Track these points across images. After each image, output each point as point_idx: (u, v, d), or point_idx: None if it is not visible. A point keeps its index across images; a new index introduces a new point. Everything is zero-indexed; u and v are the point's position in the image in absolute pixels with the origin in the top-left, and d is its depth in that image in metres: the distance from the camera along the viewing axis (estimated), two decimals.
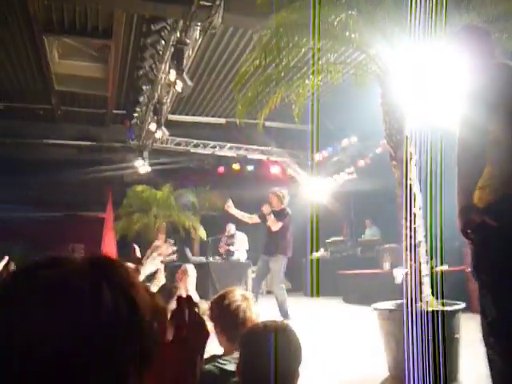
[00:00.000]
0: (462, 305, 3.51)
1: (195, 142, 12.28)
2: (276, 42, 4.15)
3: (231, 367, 1.74)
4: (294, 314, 5.84)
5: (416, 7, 3.38)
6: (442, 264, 6.21)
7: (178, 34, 6.88)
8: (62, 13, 7.32)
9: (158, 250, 3.11)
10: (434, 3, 3.23)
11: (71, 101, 10.62)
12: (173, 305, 0.84)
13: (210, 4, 5.90)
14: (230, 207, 6.46)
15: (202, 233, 12.83)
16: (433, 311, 3.20)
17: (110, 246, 11.83)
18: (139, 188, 12.75)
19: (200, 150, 12.49)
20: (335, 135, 11.86)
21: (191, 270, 3.70)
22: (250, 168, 13.25)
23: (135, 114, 10.07)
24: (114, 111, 11.16)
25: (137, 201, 12.81)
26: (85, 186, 12.90)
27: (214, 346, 1.94)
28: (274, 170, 13.34)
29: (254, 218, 6.48)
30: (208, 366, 1.82)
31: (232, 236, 10.21)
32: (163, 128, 9.92)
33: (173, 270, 9.09)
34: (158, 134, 10.14)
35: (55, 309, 0.58)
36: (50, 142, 11.93)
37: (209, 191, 13.86)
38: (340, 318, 7.38)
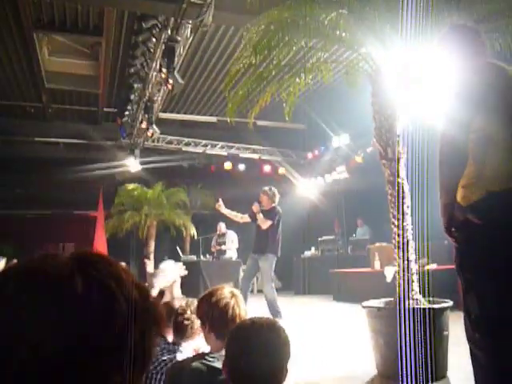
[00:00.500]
0: (450, 303, 3.53)
1: (186, 140, 12.26)
2: (267, 41, 4.15)
3: (219, 364, 1.74)
4: (284, 312, 5.85)
5: (407, 6, 3.39)
6: (428, 263, 6.26)
7: (169, 32, 6.86)
8: (52, 9, 7.27)
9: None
10: (424, 2, 3.24)
11: (62, 99, 10.56)
12: None
13: (201, 2, 5.89)
14: (221, 207, 6.47)
15: (193, 231, 12.82)
16: (421, 309, 3.22)
17: (100, 245, 11.76)
18: (130, 186, 12.70)
19: (191, 149, 12.47)
20: (327, 134, 11.89)
21: (170, 268, 3.66)
22: (241, 167, 13.25)
23: (126, 112, 10.03)
24: (106, 109, 11.11)
25: (128, 199, 12.76)
26: (76, 184, 12.83)
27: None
28: (266, 168, 13.34)
29: (244, 218, 6.49)
30: (196, 364, 1.81)
31: (223, 235, 10.21)
32: (154, 126, 9.89)
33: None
34: (149, 132, 10.11)
35: (25, 295, 0.59)
36: (41, 140, 11.86)
37: (200, 190, 13.84)
38: (330, 316, 7.40)
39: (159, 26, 7.07)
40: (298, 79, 4.66)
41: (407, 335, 2.95)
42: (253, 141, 12.35)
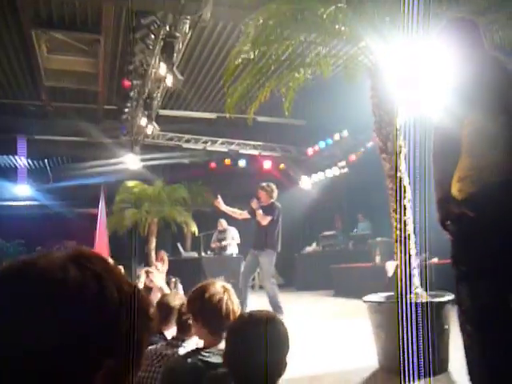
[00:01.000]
0: (451, 296, 3.53)
1: (187, 137, 12.24)
2: (266, 36, 4.14)
3: (215, 359, 1.74)
4: (286, 307, 5.85)
5: None
6: (430, 257, 6.25)
7: (168, 28, 6.84)
8: (51, 7, 7.25)
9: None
10: None
11: (62, 96, 10.53)
12: None
13: None
14: (220, 203, 6.47)
15: (194, 228, 12.81)
16: (422, 303, 3.22)
17: (102, 242, 11.77)
18: (131, 184, 12.68)
19: (192, 145, 12.47)
20: (327, 129, 11.87)
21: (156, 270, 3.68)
22: (242, 163, 13.24)
23: (126, 109, 10.01)
24: (105, 107, 11.08)
25: (129, 196, 12.74)
26: (76, 181, 12.83)
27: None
28: (266, 164, 13.33)
29: (243, 214, 6.49)
30: (191, 359, 1.81)
31: (224, 231, 10.22)
32: (154, 123, 9.88)
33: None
34: (149, 129, 10.10)
35: (20, 287, 0.61)
36: (41, 138, 11.84)
37: (201, 186, 13.83)
38: (332, 311, 7.41)
39: (157, 22, 7.04)
40: (297, 74, 4.65)
41: (408, 329, 2.95)
42: (253, 137, 12.33)
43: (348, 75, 4.76)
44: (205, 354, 1.81)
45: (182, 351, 2.32)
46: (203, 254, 10.56)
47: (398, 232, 3.65)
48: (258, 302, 5.89)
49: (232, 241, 10.08)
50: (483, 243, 2.04)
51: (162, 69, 7.27)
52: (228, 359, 1.45)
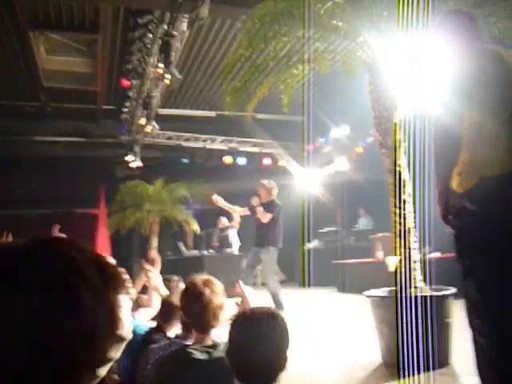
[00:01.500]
0: (452, 290, 3.53)
1: (186, 135, 12.24)
2: (263, 33, 4.13)
3: (200, 356, 1.76)
4: (288, 304, 5.86)
5: None
6: (430, 251, 6.26)
7: (166, 27, 6.82)
8: (48, 8, 7.24)
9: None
10: None
11: (60, 97, 10.53)
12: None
13: None
14: (218, 200, 6.48)
15: (195, 226, 12.83)
16: (424, 297, 3.22)
17: (103, 243, 11.80)
18: (131, 183, 12.69)
19: (191, 144, 12.46)
20: (327, 126, 11.86)
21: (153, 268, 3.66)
22: (241, 160, 13.23)
23: (125, 109, 10.01)
24: (104, 106, 11.08)
25: (129, 196, 12.75)
26: (76, 182, 12.83)
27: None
28: (266, 161, 13.32)
29: (244, 211, 6.50)
30: (176, 355, 1.82)
31: (225, 229, 10.23)
32: (153, 122, 9.88)
33: (167, 264, 9.09)
34: (148, 129, 10.09)
35: None
36: (41, 139, 11.85)
37: (201, 185, 13.83)
38: (334, 306, 7.42)
39: (155, 21, 7.03)
40: (295, 70, 4.64)
41: (410, 323, 2.96)
42: (252, 134, 12.32)
43: (346, 71, 4.76)
44: (190, 350, 1.82)
45: None
46: (204, 252, 10.57)
47: (399, 226, 3.66)
48: (259, 298, 5.89)
49: (234, 239, 10.10)
50: (484, 236, 2.04)
51: (160, 68, 7.26)
52: (229, 354, 1.47)
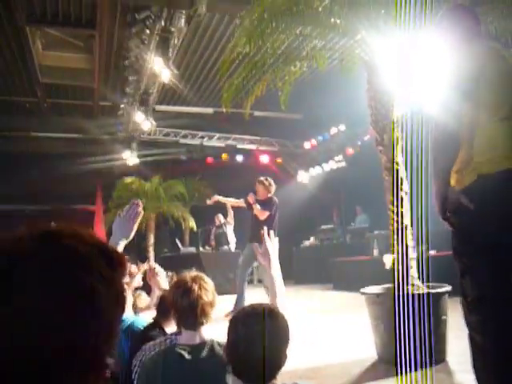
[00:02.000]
0: (448, 287, 3.55)
1: (183, 132, 12.23)
2: (261, 29, 4.12)
3: (187, 355, 1.76)
4: (285, 301, 5.87)
5: None
6: (428, 249, 6.26)
7: (163, 23, 6.81)
8: (45, 3, 7.20)
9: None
10: None
11: (57, 93, 10.49)
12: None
13: None
14: (215, 198, 6.52)
15: (191, 223, 12.83)
16: (420, 294, 3.23)
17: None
18: (128, 180, 12.68)
19: (189, 141, 12.45)
20: (324, 124, 11.86)
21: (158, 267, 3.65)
22: (239, 158, 13.23)
23: (122, 105, 9.98)
24: (101, 103, 11.05)
25: (126, 193, 12.73)
26: (73, 178, 12.80)
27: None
28: (263, 159, 13.33)
29: (239, 202, 6.57)
30: (163, 354, 1.81)
31: (222, 226, 10.23)
32: (150, 118, 9.86)
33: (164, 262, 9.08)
34: (146, 125, 10.07)
35: None
36: (37, 135, 11.80)
37: (198, 181, 13.83)
38: (330, 304, 7.43)
39: (152, 17, 7.01)
40: (293, 68, 4.64)
41: (406, 320, 2.97)
42: (250, 131, 12.32)
43: (344, 68, 4.76)
44: (178, 349, 1.81)
45: None
46: (201, 249, 10.57)
47: (395, 224, 3.67)
48: (256, 296, 5.91)
49: (231, 236, 10.11)
50: (482, 233, 2.05)
51: (158, 64, 7.25)
52: (228, 351, 1.47)
